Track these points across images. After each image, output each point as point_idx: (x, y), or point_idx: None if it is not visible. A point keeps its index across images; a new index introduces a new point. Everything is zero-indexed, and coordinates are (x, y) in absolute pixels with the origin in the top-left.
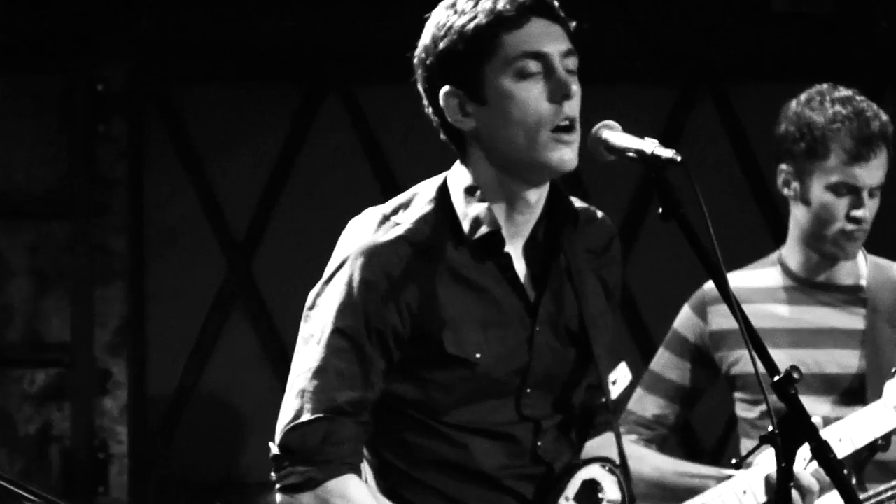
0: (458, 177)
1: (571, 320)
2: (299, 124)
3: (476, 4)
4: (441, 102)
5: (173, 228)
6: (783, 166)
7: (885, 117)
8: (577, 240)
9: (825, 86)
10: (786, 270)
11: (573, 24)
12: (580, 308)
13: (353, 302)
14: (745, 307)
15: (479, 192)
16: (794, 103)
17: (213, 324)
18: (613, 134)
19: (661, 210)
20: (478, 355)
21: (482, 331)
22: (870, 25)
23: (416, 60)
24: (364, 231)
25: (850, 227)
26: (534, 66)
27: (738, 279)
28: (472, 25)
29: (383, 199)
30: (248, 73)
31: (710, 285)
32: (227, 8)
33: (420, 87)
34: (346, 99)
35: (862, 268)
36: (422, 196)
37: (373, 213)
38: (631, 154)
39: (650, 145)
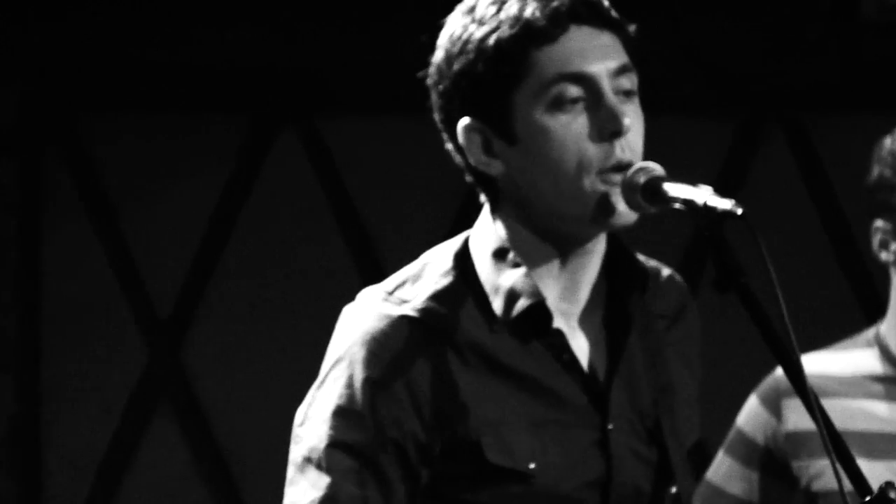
0: (484, 238)
1: (650, 413)
2: (245, 165)
3: (499, 10)
4: (460, 139)
5: (78, 303)
6: (879, 223)
7: None
8: (648, 305)
9: None
10: (885, 354)
11: (631, 27)
12: (660, 396)
13: (358, 408)
14: (828, 402)
15: (511, 256)
16: (889, 141)
17: (129, 427)
18: (654, 179)
19: (716, 278)
20: (532, 465)
21: (535, 433)
22: None
23: (429, 82)
24: (361, 316)
25: None
26: (574, 90)
27: (821, 364)
28: (493, 40)
29: (352, 259)
30: (179, 101)
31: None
32: (152, 17)
33: (436, 117)
34: (306, 133)
35: None
36: (434, 267)
37: (370, 294)
38: (678, 205)
39: (703, 194)
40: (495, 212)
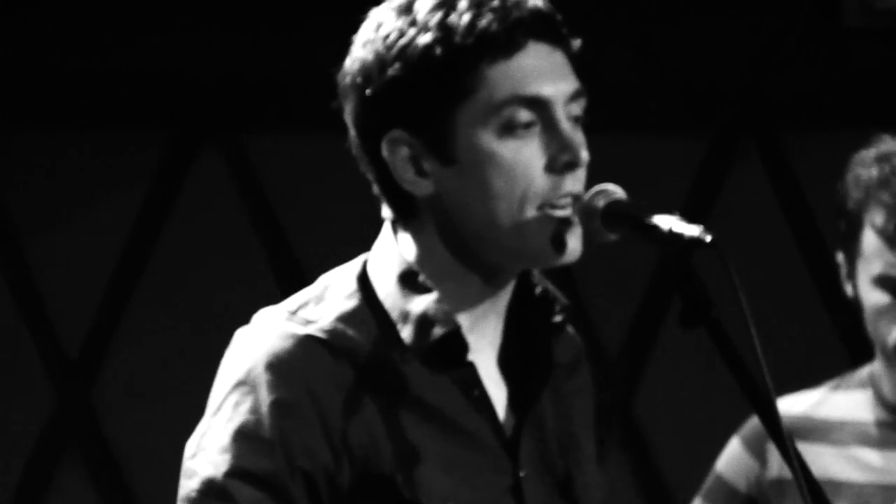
0: (386, 260)
1: (559, 466)
2: (162, 186)
3: (447, 16)
4: (384, 152)
5: None
6: (839, 256)
7: None
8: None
9: None
10: (879, 398)
11: (576, 43)
12: (568, 449)
13: (263, 434)
14: (816, 449)
15: (421, 279)
16: (853, 164)
17: (35, 478)
18: (615, 203)
19: (683, 312)
20: None
21: (449, 473)
22: None
23: (346, 82)
24: (264, 336)
25: None
26: (526, 115)
27: (809, 406)
28: (440, 49)
29: (280, 289)
30: (88, 116)
31: None
32: (59, 22)
33: (350, 123)
34: (230, 151)
35: None
36: (336, 289)
37: (271, 314)
38: (640, 232)
39: (668, 220)
40: (404, 231)
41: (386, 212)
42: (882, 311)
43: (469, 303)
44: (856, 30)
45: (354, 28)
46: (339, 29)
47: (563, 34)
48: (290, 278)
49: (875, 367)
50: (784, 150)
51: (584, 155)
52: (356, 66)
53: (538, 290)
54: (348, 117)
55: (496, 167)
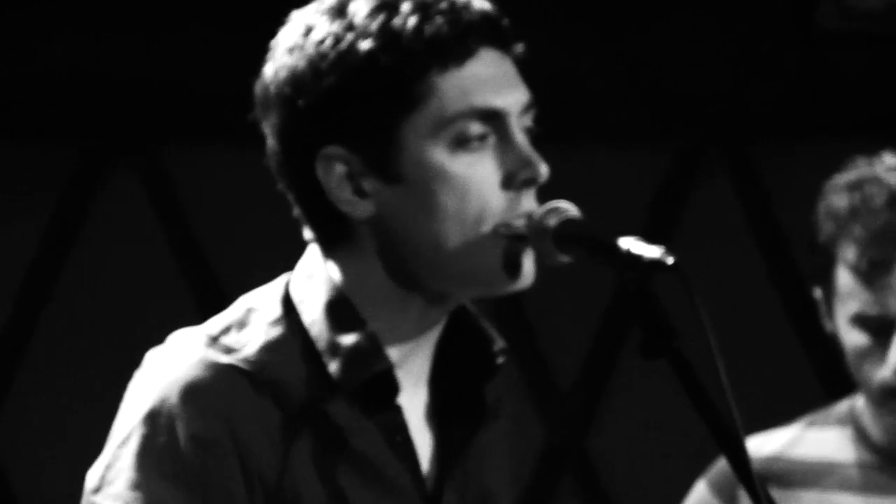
0: (313, 285)
1: None
2: (71, 203)
3: (389, 20)
4: (318, 170)
5: None
6: (817, 292)
7: None
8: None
9: (879, 155)
10: (861, 436)
11: (521, 48)
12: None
13: (179, 472)
14: (791, 494)
15: (352, 310)
16: (829, 192)
17: None
18: (568, 223)
19: (642, 342)
20: None
21: None
22: None
23: (269, 92)
24: (180, 362)
25: (893, 381)
26: (479, 127)
27: (782, 445)
28: (386, 56)
29: (198, 313)
30: None
31: None
32: None
33: (274, 137)
34: (145, 166)
35: None
36: (261, 314)
37: (189, 337)
38: (596, 254)
39: (627, 240)
40: (334, 254)
41: (309, 234)
42: (863, 353)
43: (402, 336)
44: (832, 33)
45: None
46: (266, 34)
47: (512, 40)
48: (209, 299)
49: (857, 404)
50: (754, 162)
51: (545, 170)
52: (283, 74)
53: (475, 327)
54: (271, 131)
55: (448, 184)
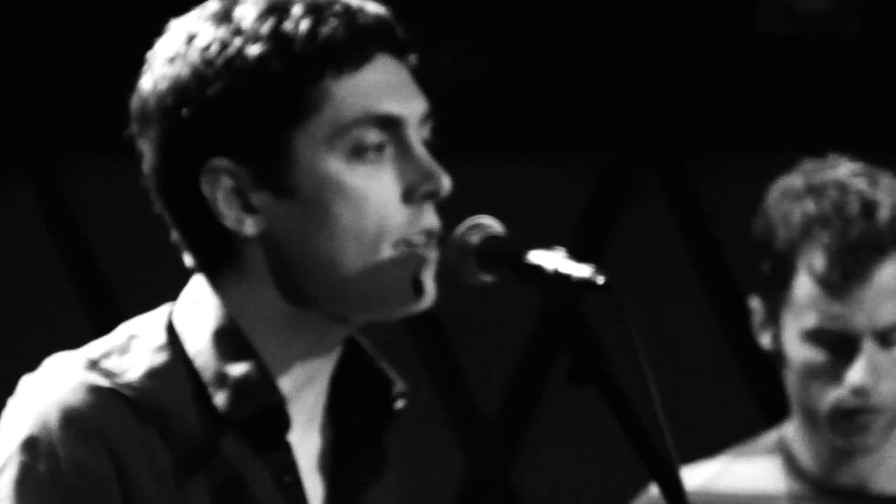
0: (199, 312)
1: None
2: None
3: (279, 24)
4: (203, 185)
5: None
6: (754, 301)
7: (891, 210)
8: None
9: (829, 159)
10: (791, 466)
11: (414, 57)
12: None
13: (61, 497)
14: None
15: (241, 338)
16: (774, 192)
17: None
18: (490, 240)
19: (571, 367)
20: None
21: None
22: None
23: (149, 104)
24: (58, 386)
25: (850, 401)
26: (375, 136)
27: (709, 478)
28: (276, 62)
29: (91, 325)
30: None
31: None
32: None
33: (154, 151)
34: (37, 178)
35: None
36: (143, 341)
37: (67, 361)
38: (522, 273)
39: (554, 258)
40: (219, 279)
41: (190, 260)
42: (815, 371)
43: (294, 366)
44: (774, 37)
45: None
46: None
47: (408, 48)
48: (101, 310)
49: (788, 431)
50: (689, 176)
51: (447, 183)
52: (164, 84)
53: (371, 366)
54: (151, 146)
55: (344, 197)
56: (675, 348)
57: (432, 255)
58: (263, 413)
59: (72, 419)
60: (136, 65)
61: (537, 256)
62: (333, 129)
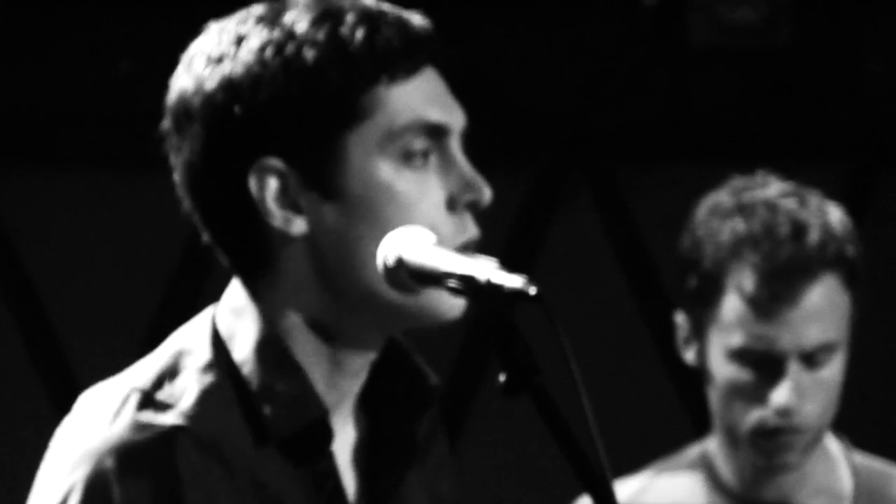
0: (241, 320)
1: None
2: None
3: (336, 29)
4: (251, 184)
5: None
6: (679, 317)
7: (820, 232)
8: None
9: (759, 176)
10: (713, 480)
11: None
12: None
13: None
14: None
15: (281, 348)
16: (701, 208)
17: None
18: (420, 250)
19: (502, 379)
20: None
21: None
22: (852, 69)
23: (192, 103)
24: (114, 423)
25: (773, 421)
26: (422, 144)
27: (632, 492)
28: (335, 66)
29: (28, 354)
30: None
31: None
32: None
33: (197, 151)
34: None
35: (843, 480)
36: (191, 359)
37: (117, 391)
38: (452, 283)
39: (485, 268)
40: (257, 285)
41: (225, 261)
42: (739, 389)
43: (335, 375)
44: (702, 49)
45: (121, 49)
46: (105, 51)
47: (444, 60)
48: (40, 340)
49: (710, 447)
50: (619, 187)
51: (489, 194)
52: (212, 83)
53: (407, 361)
54: (192, 143)
55: (394, 201)
56: (605, 359)
57: None
58: (311, 428)
59: (129, 461)
60: (69, 78)
61: (468, 266)
62: (385, 134)
